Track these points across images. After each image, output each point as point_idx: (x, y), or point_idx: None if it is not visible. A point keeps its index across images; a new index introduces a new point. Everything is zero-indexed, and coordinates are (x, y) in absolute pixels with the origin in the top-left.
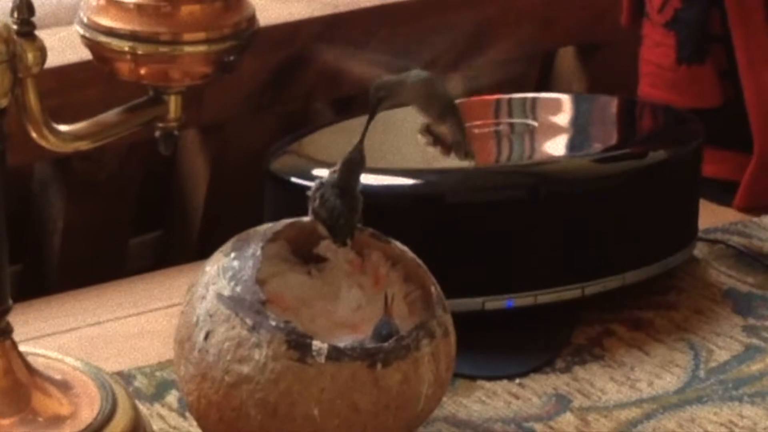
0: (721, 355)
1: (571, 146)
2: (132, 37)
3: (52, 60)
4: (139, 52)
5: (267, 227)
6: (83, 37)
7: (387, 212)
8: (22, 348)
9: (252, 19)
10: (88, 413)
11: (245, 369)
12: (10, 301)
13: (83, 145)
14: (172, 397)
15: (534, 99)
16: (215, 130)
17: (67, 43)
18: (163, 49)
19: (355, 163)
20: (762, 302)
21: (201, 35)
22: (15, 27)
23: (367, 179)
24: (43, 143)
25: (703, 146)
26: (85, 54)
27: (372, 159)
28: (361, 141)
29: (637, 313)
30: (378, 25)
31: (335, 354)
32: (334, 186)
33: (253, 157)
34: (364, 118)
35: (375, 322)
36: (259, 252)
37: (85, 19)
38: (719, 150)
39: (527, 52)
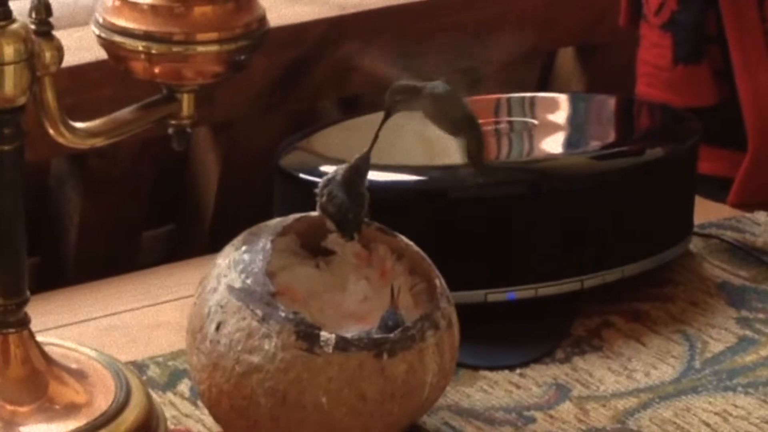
0: (716, 347)
1: (571, 144)
2: (146, 37)
3: (69, 59)
4: (153, 51)
5: (276, 222)
6: (99, 37)
7: (393, 207)
8: (39, 338)
9: (262, 19)
10: (103, 401)
11: (255, 359)
12: (28, 293)
13: (99, 142)
14: (184, 386)
15: (535, 98)
16: (226, 128)
17: (84, 42)
18: (176, 48)
19: (362, 166)
20: (755, 295)
21: (213, 35)
22: (33, 27)
23: (373, 176)
24: (60, 140)
25: (699, 144)
26: (100, 53)
27: (378, 156)
28: (372, 145)
29: (634, 306)
30: (383, 26)
31: (343, 344)
32: (341, 184)
33: (262, 154)
34: (369, 117)
35: (381, 314)
36: (269, 245)
37: (101, 20)
38: (714, 148)
39: (528, 52)
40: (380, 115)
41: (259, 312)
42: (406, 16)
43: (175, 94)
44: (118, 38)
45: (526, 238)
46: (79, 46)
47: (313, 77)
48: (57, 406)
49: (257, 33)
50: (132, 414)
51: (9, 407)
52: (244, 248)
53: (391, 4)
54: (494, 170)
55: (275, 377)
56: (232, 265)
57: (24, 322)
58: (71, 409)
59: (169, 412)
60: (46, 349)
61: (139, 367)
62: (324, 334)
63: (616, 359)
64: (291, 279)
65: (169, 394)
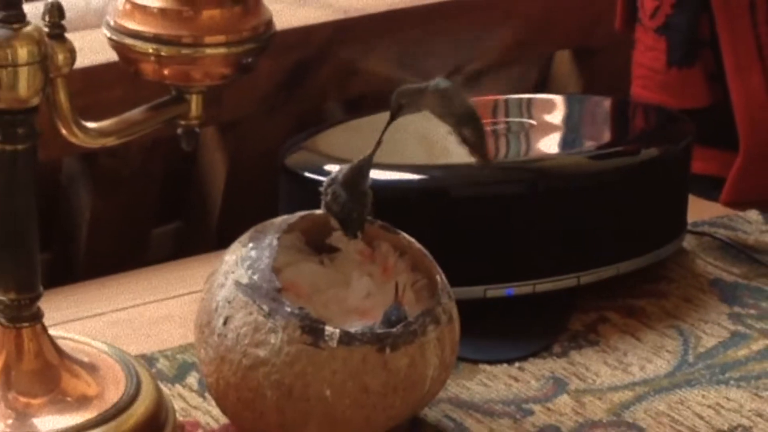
0: (709, 341)
1: (568, 144)
2: (156, 39)
3: (81, 61)
4: (163, 53)
5: (282, 219)
6: (110, 39)
7: (395, 206)
8: (51, 332)
9: (269, 23)
10: (114, 394)
11: (262, 352)
12: (41, 288)
13: (110, 142)
14: (192, 379)
15: (533, 99)
16: (233, 128)
17: (95, 45)
18: (185, 51)
19: (364, 167)
20: (747, 291)
21: (221, 38)
22: (46, 30)
23: (376, 174)
24: (72, 139)
25: (692, 145)
26: (111, 55)
27: (381, 155)
28: (376, 148)
29: (630, 302)
30: (386, 29)
31: (346, 338)
32: (344, 184)
33: (268, 153)
34: (372, 117)
35: (384, 309)
36: (275, 242)
37: (112, 23)
38: (707, 148)
39: (526, 55)
40: (383, 115)
41: (265, 307)
42: (407, 19)
43: (183, 95)
44: (128, 41)
45: (524, 235)
46: (91, 48)
47: (318, 79)
48: (69, 398)
49: (264, 36)
50: (142, 406)
51: (22, 399)
52: (250, 245)
53: (393, 8)
54: (493, 169)
55: (281, 370)
56: (239, 262)
57: (37, 317)
58: (83, 401)
59: (177, 404)
60: (59, 342)
61: (149, 360)
62: (328, 329)
63: (612, 353)
64: (296, 275)
65: (178, 387)
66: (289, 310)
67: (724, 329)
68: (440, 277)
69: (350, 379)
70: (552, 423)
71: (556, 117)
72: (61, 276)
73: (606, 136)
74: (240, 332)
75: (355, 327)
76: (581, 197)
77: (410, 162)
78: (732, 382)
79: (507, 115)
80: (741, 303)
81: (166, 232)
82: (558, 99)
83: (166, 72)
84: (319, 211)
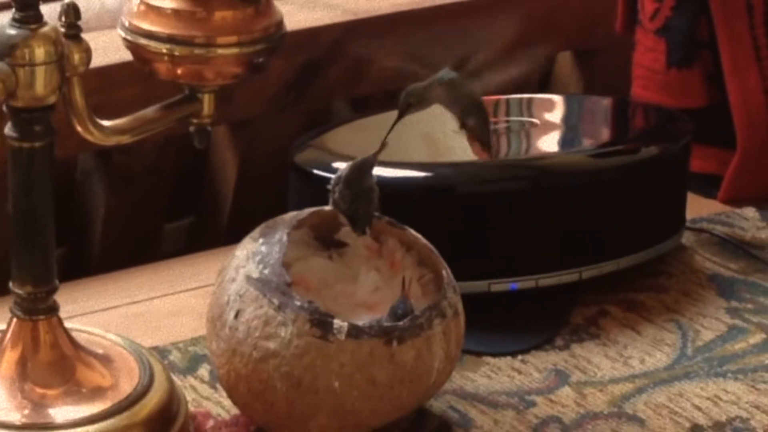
0: (707, 335)
1: (570, 143)
2: (169, 40)
3: (96, 60)
4: (176, 53)
5: (292, 215)
6: (125, 39)
7: (402, 202)
8: (67, 324)
9: (280, 23)
10: (128, 385)
11: (272, 345)
12: (57, 282)
13: (124, 139)
14: (204, 370)
15: (535, 99)
16: (244, 126)
17: (110, 45)
18: (198, 51)
19: (366, 165)
20: (744, 286)
21: (233, 39)
22: (63, 30)
23: (383, 172)
24: (87, 137)
25: (691, 143)
26: (126, 55)
27: (388, 154)
28: (381, 149)
29: (630, 296)
30: (393, 30)
31: (354, 332)
32: (347, 181)
33: (278, 151)
34: (379, 116)
35: (391, 303)
36: (285, 238)
37: (127, 24)
38: (705, 147)
39: (529, 56)
40: (391, 114)
41: (275, 301)
42: (413, 20)
43: (196, 94)
44: (143, 41)
45: (527, 231)
46: (106, 48)
47: (327, 78)
48: (84, 389)
49: (275, 36)
50: (155, 397)
51: (39, 390)
52: (261, 240)
53: (400, 9)
54: (499, 167)
55: (290, 363)
56: (250, 257)
57: (53, 309)
58: (97, 392)
59: (189, 395)
60: (74, 335)
61: (162, 352)
62: (337, 322)
63: (613, 347)
64: (306, 270)
65: (190, 378)
66: (298, 303)
67: (722, 323)
68: (446, 272)
69: (358, 372)
70: (554, 414)
71: (558, 116)
72: (76, 270)
73: (606, 135)
74: (251, 325)
75: (362, 320)
76: (583, 194)
77: (416, 160)
78: (730, 374)
79: (509, 114)
80: (738, 298)
81: (179, 227)
82: (559, 99)
83: (179, 71)
84: (327, 208)
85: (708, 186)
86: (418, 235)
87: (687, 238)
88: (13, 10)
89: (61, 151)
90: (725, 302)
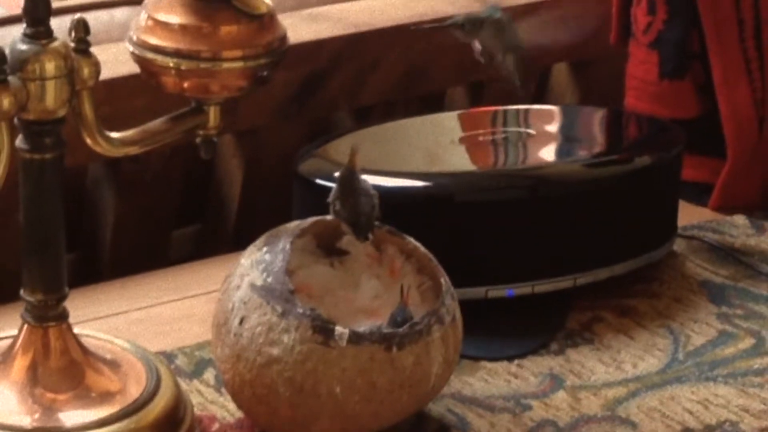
0: (698, 340)
1: (565, 152)
2: (176, 54)
3: (105, 73)
4: (183, 67)
5: (295, 224)
6: (133, 53)
7: (402, 211)
8: (76, 330)
9: (283, 38)
10: (135, 389)
11: (275, 351)
12: (67, 289)
13: (132, 151)
14: (209, 375)
15: (532, 110)
16: (249, 136)
17: (119, 57)
18: (204, 65)
19: (350, 173)
20: (734, 292)
21: (238, 53)
22: (72, 45)
23: (384, 182)
24: (96, 149)
25: (682, 153)
26: (135, 67)
27: (389, 164)
28: (352, 154)
29: (623, 302)
30: (393, 43)
31: (355, 338)
32: (343, 194)
33: (282, 160)
34: (381, 126)
35: (391, 310)
36: (288, 246)
37: (135, 38)
38: (697, 156)
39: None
40: (392, 124)
41: (278, 308)
42: (413, 34)
43: (202, 107)
44: (150, 55)
45: (523, 239)
46: (115, 61)
47: (329, 89)
48: (93, 394)
49: (279, 50)
50: (161, 401)
51: (49, 394)
52: (265, 249)
53: (400, 23)
54: (496, 176)
55: (293, 368)
56: (255, 265)
57: (63, 316)
58: (106, 396)
59: (195, 399)
60: (83, 340)
61: (168, 356)
62: (338, 329)
63: (607, 351)
64: (308, 277)
65: (196, 382)
66: (301, 310)
67: (712, 328)
68: (444, 280)
69: (359, 377)
70: (549, 418)
71: (554, 127)
72: (87, 275)
73: (601, 145)
74: (255, 332)
75: (363, 327)
76: (578, 203)
77: (415, 170)
78: (720, 378)
79: (507, 125)
80: (728, 303)
81: (186, 234)
82: (555, 109)
83: (185, 85)
84: (330, 217)
85: (699, 194)
86: (418, 244)
87: (679, 245)
88: (24, 25)
89: (72, 160)
90: (716, 308)
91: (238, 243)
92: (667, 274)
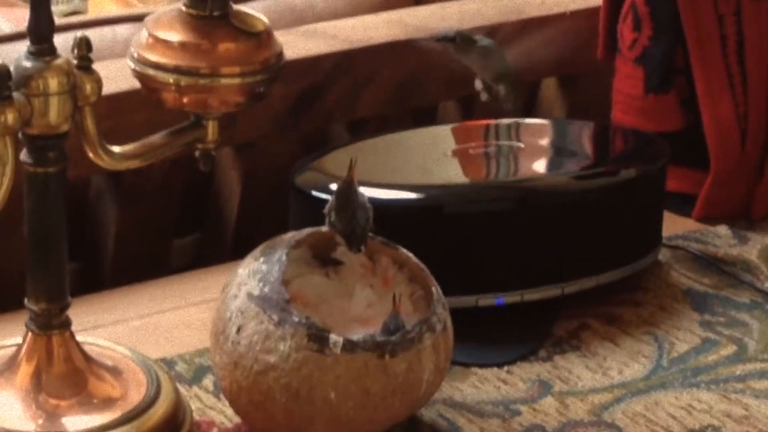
0: (682, 347)
1: (553, 165)
2: (176, 70)
3: (107, 88)
4: (182, 83)
5: (291, 235)
6: (134, 70)
7: (395, 222)
8: (79, 338)
9: (280, 54)
10: (136, 395)
11: (272, 358)
12: (69, 298)
13: (133, 164)
14: (208, 381)
15: (522, 124)
16: (247, 148)
17: (121, 73)
18: (202, 81)
19: (348, 186)
20: (717, 301)
21: (236, 69)
22: (75, 62)
23: (377, 193)
24: (99, 162)
25: (667, 165)
26: (135, 83)
27: (383, 176)
28: (351, 167)
29: (609, 310)
30: (386, 60)
31: (349, 346)
32: (339, 206)
33: (279, 172)
34: (376, 139)
35: (384, 318)
36: (284, 257)
37: (136, 55)
38: (681, 168)
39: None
40: (386, 137)
41: (275, 317)
42: (406, 50)
43: (201, 121)
44: (150, 71)
45: (513, 249)
46: (117, 76)
47: (325, 103)
48: (95, 400)
49: (275, 67)
50: (162, 406)
51: (52, 401)
52: (262, 259)
53: (393, 39)
54: (486, 188)
55: (289, 375)
56: (252, 275)
57: (66, 324)
58: (108, 402)
59: (194, 405)
60: (85, 348)
61: (168, 363)
62: (333, 337)
63: (593, 358)
64: (304, 286)
65: (195, 388)
66: (296, 319)
67: (695, 336)
68: (435, 289)
69: (353, 383)
70: (537, 422)
71: (543, 140)
72: (90, 284)
73: (588, 158)
74: (252, 340)
75: (357, 335)
76: (565, 214)
77: (409, 182)
78: (703, 385)
79: (498, 138)
80: (711, 311)
81: (186, 243)
82: (544, 123)
83: (185, 100)
84: (325, 228)
85: (683, 205)
86: (410, 254)
87: (663, 254)
88: (29, 42)
89: (76, 172)
90: (699, 316)
91: (236, 252)
92: (651, 283)
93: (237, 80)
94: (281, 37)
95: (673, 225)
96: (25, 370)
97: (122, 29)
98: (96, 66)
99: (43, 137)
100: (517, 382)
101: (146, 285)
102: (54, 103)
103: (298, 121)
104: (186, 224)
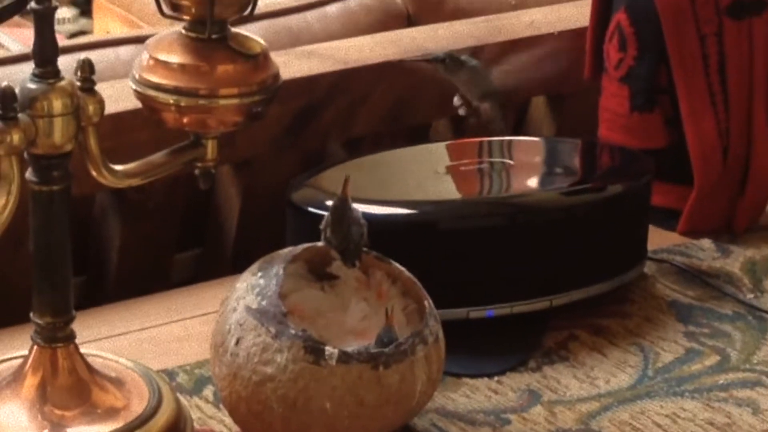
0: (667, 357)
1: (542, 181)
2: (176, 91)
3: (110, 108)
4: (182, 104)
5: (288, 250)
6: (135, 91)
7: (389, 237)
8: (83, 350)
9: (276, 76)
10: (139, 405)
11: (269, 370)
12: (74, 312)
13: (135, 182)
14: (208, 391)
15: (511, 141)
16: (246, 166)
17: (123, 93)
18: (202, 102)
19: (343, 202)
20: (700, 312)
21: (234, 90)
22: (78, 84)
23: (371, 209)
24: (101, 180)
25: (652, 181)
26: (137, 103)
27: (378, 192)
28: (345, 184)
29: (597, 321)
30: (381, 80)
31: (344, 357)
32: (335, 222)
33: (277, 188)
34: (371, 157)
35: (378, 331)
36: (281, 271)
37: (137, 76)
38: (666, 184)
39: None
40: (381, 155)
41: (272, 329)
42: (400, 69)
43: (201, 140)
44: (151, 92)
45: (503, 262)
46: (119, 97)
47: (321, 122)
48: (99, 410)
49: (272, 88)
50: (163, 416)
51: (57, 411)
52: (259, 274)
53: (387, 59)
54: (477, 204)
55: (286, 386)
56: (250, 289)
57: (70, 337)
58: (111, 413)
59: (195, 414)
60: (89, 360)
61: (170, 374)
62: (328, 349)
63: (581, 368)
64: (300, 300)
65: (196, 399)
66: (293, 332)
67: (680, 346)
68: (428, 302)
69: (348, 394)
70: (527, 431)
71: (533, 157)
72: (94, 297)
73: (576, 174)
74: (250, 352)
75: (352, 347)
76: (554, 228)
77: (403, 198)
78: (687, 394)
79: (490, 155)
80: (695, 323)
81: (187, 258)
82: (534, 140)
83: (185, 120)
84: (320, 243)
85: (668, 219)
86: (403, 269)
87: (649, 267)
88: (33, 65)
89: (81, 190)
90: (683, 327)
91: (235, 267)
92: (637, 295)
93: (235, 101)
94: (278, 58)
95: (658, 239)
96: (30, 382)
97: (124, 50)
98: (98, 87)
99: (48, 157)
100: (508, 391)
101: (148, 298)
102: (58, 123)
103: (295, 140)
104: (187, 240)
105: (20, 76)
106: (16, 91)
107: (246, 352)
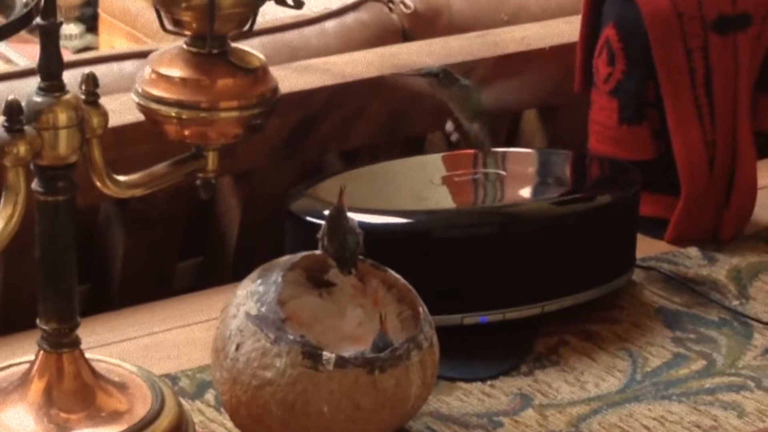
0: (654, 362)
1: (534, 191)
2: (177, 104)
3: (113, 120)
4: (183, 116)
5: (286, 258)
6: (138, 104)
7: (384, 246)
8: (88, 355)
9: (275, 89)
10: (142, 409)
11: (268, 374)
12: (79, 319)
13: (138, 192)
14: (209, 395)
15: (504, 153)
16: (246, 177)
17: (126, 106)
18: (203, 114)
19: (339, 212)
20: (687, 318)
21: (234, 103)
22: (83, 97)
23: (367, 218)
24: (105, 191)
25: (640, 191)
26: (140, 116)
27: (374, 202)
28: (341, 194)
29: (586, 327)
30: (377, 93)
31: (341, 362)
32: (331, 231)
33: (277, 198)
34: (368, 168)
35: (374, 336)
36: (280, 279)
37: (140, 90)
38: (653, 194)
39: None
40: (378, 166)
41: (271, 335)
42: (395, 83)
43: (202, 152)
44: (154, 105)
45: (496, 270)
46: (122, 109)
47: (319, 134)
48: (103, 414)
49: (271, 101)
50: (166, 419)
51: (63, 415)
52: (259, 281)
53: (383, 73)
54: (470, 214)
55: (285, 390)
56: (249, 296)
57: (75, 343)
58: (115, 416)
59: (197, 418)
60: (94, 365)
61: (172, 379)
62: (326, 354)
63: (571, 372)
64: (298, 307)
65: (197, 402)
66: (291, 337)
67: (667, 351)
68: (422, 309)
69: (345, 398)
70: None
71: (525, 168)
72: (98, 305)
73: (566, 185)
74: (250, 357)
75: (348, 352)
76: (545, 237)
77: (398, 208)
78: (674, 397)
79: (484, 166)
80: (682, 328)
81: (188, 266)
82: (526, 152)
83: (186, 132)
84: (318, 252)
85: (656, 228)
86: (398, 276)
87: (637, 275)
88: (39, 79)
89: (85, 200)
90: (670, 332)
91: (236, 275)
92: (626, 302)
93: (235, 114)
94: (276, 72)
95: (646, 247)
96: (37, 386)
97: (128, 65)
98: (102, 100)
99: (53, 168)
100: (500, 395)
101: (151, 305)
102: (63, 136)
103: (293, 152)
104: (189, 248)
105: (27, 90)
106: (23, 104)
107: (246, 357)
